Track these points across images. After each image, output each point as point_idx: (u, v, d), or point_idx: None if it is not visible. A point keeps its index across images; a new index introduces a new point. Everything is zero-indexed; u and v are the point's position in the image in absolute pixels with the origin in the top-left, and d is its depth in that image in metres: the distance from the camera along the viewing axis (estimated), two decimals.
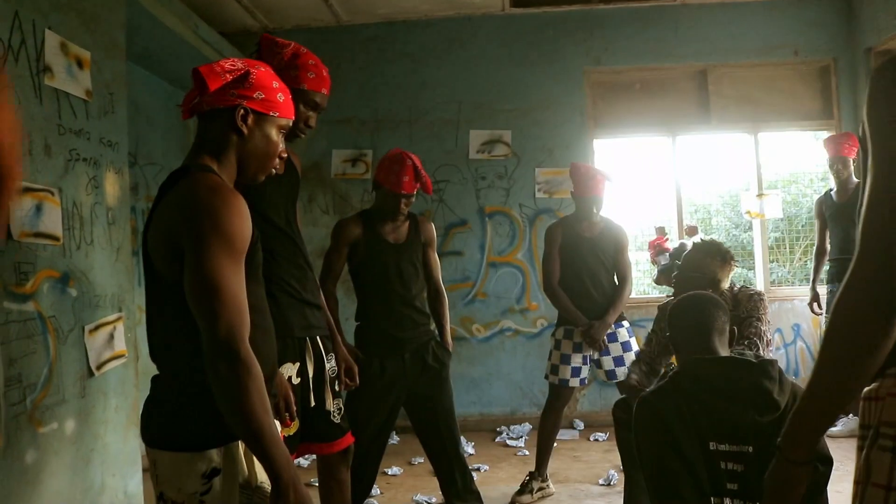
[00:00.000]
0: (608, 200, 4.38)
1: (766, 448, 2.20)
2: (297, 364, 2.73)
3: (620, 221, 4.50)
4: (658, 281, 6.30)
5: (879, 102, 1.15)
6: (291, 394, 2.44)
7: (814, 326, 6.26)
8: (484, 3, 6.26)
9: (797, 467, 1.29)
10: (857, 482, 1.21)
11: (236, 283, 1.57)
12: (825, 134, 6.52)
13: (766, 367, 2.25)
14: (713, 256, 3.39)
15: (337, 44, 6.50)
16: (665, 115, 6.53)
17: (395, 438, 5.85)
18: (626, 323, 4.38)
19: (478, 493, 3.72)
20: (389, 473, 4.96)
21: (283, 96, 1.82)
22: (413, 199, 3.61)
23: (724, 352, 2.44)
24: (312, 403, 2.77)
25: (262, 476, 1.74)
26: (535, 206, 6.35)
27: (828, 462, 2.28)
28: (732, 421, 2.21)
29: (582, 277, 4.30)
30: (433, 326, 3.77)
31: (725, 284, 3.42)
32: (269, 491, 1.70)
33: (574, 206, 4.45)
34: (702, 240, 3.53)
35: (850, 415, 5.54)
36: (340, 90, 6.28)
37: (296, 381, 2.71)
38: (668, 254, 6.15)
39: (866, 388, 1.23)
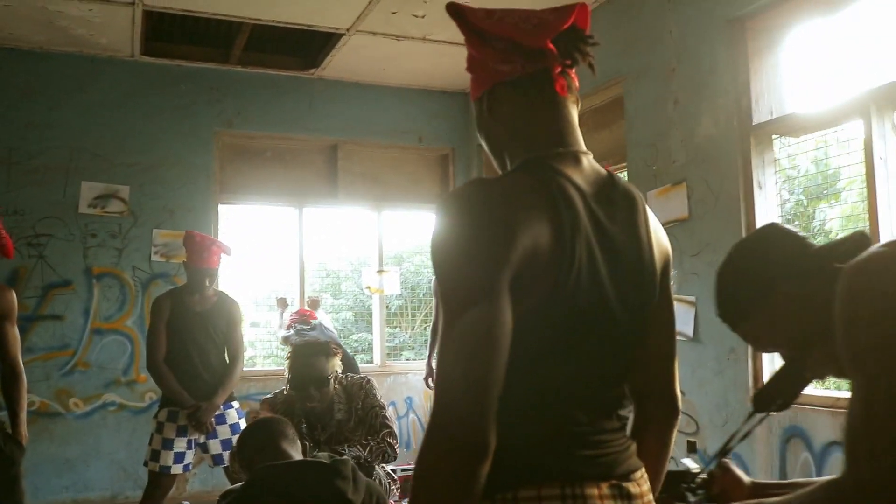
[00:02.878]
0: (224, 272, 4.18)
1: None
2: None
3: (236, 294, 4.32)
4: (282, 341, 6.20)
5: (453, 249, 1.09)
6: None
7: (424, 399, 6.57)
8: (112, 46, 5.77)
9: None
10: None
11: None
12: None
13: (338, 468, 2.23)
14: (315, 356, 3.27)
15: None
16: (294, 186, 6.53)
17: None
18: (235, 404, 4.18)
19: None
20: None
21: None
22: None
23: (297, 457, 2.39)
24: None
25: None
26: (150, 270, 5.88)
27: None
28: None
29: (190, 354, 4.02)
30: (4, 415, 3.21)
31: (335, 374, 3.30)
32: None
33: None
34: (297, 346, 3.39)
35: None
36: None
37: None
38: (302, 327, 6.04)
39: None
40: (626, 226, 1.25)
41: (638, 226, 1.27)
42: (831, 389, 3.94)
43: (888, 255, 1.30)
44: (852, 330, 1.24)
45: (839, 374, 1.37)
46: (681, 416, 1.41)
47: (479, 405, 1.02)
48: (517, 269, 1.08)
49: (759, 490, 1.52)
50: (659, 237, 1.34)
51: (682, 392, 1.42)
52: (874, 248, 1.35)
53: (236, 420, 4.12)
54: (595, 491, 1.14)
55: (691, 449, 4.18)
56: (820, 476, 3.38)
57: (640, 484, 1.23)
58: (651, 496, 1.26)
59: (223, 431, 4.04)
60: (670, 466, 1.44)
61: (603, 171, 1.29)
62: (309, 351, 3.28)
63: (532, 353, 1.11)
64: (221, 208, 6.27)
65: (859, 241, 1.40)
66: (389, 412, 3.37)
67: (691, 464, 1.64)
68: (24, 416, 3.24)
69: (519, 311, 1.08)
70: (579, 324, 1.16)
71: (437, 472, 1.02)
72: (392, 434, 3.23)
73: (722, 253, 1.53)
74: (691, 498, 1.55)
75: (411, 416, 6.53)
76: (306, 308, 6.34)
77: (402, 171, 6.93)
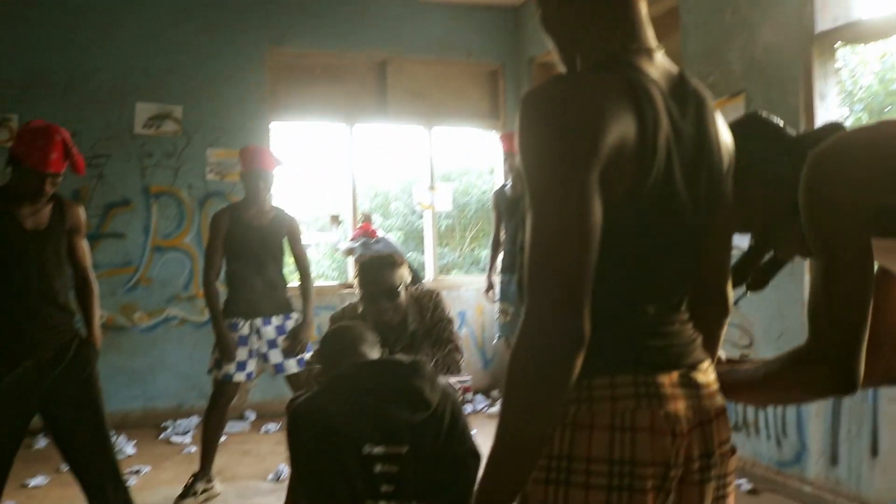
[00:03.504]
0: (280, 183, 4.24)
1: (419, 448, 2.25)
2: None
3: (293, 210, 4.37)
4: (345, 253, 6.32)
5: (544, 142, 1.09)
6: None
7: (477, 314, 6.68)
8: None
9: None
10: None
11: None
12: (494, 132, 6.98)
13: (416, 367, 2.29)
14: (383, 268, 3.26)
15: None
16: (344, 103, 6.54)
17: (40, 442, 5.23)
18: (294, 315, 4.29)
19: None
20: (31, 485, 4.40)
21: None
22: (60, 180, 3.15)
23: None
24: None
25: None
26: (205, 189, 6.01)
27: (478, 457, 2.38)
28: (387, 422, 2.22)
29: (249, 269, 4.12)
30: (79, 323, 3.36)
31: (404, 283, 3.31)
32: None
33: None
34: (359, 251, 3.46)
35: None
36: None
37: None
38: (367, 241, 6.18)
39: None
40: (696, 125, 1.25)
41: (707, 125, 1.27)
42: None
43: (850, 140, 1.36)
44: (813, 212, 1.31)
45: (806, 255, 1.44)
46: (736, 330, 1.45)
47: (575, 295, 1.05)
48: (604, 164, 1.09)
49: (734, 364, 1.58)
50: (725, 139, 1.33)
51: (736, 305, 1.46)
52: (841, 133, 1.41)
53: None
54: (666, 379, 1.18)
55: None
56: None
57: (707, 374, 1.27)
58: (717, 386, 1.29)
59: (283, 342, 4.18)
60: None
61: (674, 68, 1.28)
62: (376, 264, 3.28)
63: (607, 248, 1.11)
64: (273, 125, 6.32)
65: (832, 129, 1.46)
66: (456, 327, 3.41)
67: None
68: (97, 321, 3.38)
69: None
70: (654, 221, 1.18)
71: (535, 361, 1.05)
72: (458, 349, 3.29)
73: None
74: None
75: (464, 330, 6.64)
76: (363, 222, 6.43)
77: (450, 87, 6.89)
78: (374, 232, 6.23)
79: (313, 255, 13.69)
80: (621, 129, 1.10)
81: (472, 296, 6.61)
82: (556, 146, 1.08)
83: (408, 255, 12.59)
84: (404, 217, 13.72)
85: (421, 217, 12.46)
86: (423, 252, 9.72)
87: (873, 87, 10.38)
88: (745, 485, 4.08)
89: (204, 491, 4.12)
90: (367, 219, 6.41)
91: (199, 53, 6.01)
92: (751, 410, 4.17)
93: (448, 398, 2.34)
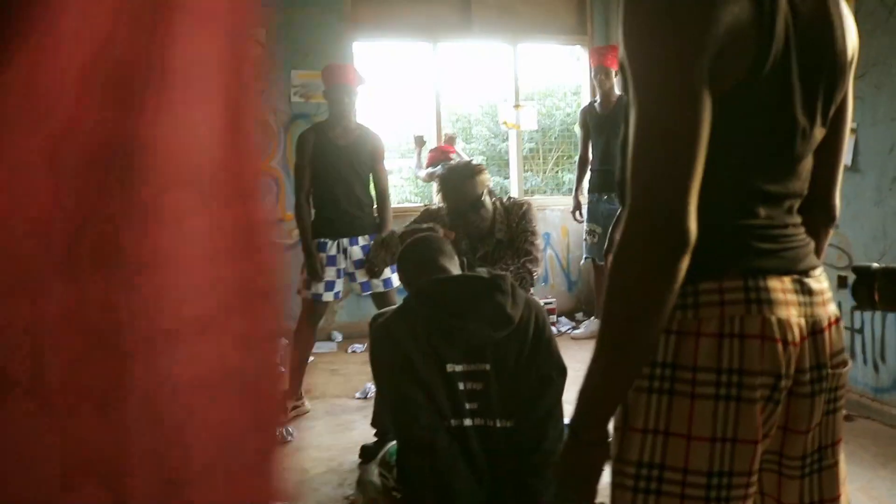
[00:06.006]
0: (364, 102, 4.18)
1: (502, 364, 2.22)
2: None
3: (378, 129, 4.31)
4: (425, 179, 6.29)
5: (650, 27, 1.00)
6: None
7: (562, 235, 6.58)
8: None
9: (596, 448, 1.13)
10: (644, 429, 1.10)
11: None
12: (580, 49, 6.75)
13: (497, 282, 2.24)
14: (464, 178, 3.25)
15: None
16: (427, 21, 6.38)
17: None
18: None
19: None
20: None
21: None
22: None
23: (456, 272, 2.42)
24: None
25: None
26: (290, 111, 6.01)
27: (563, 372, 2.34)
28: (468, 340, 2.19)
29: (335, 189, 4.10)
30: None
31: (487, 193, 3.31)
32: None
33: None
34: (440, 171, 3.41)
35: (593, 317, 5.91)
36: None
37: None
38: (446, 163, 6.12)
39: None
40: (817, 8, 1.11)
41: (829, 8, 1.13)
42: None
43: None
44: None
45: None
46: (833, 251, 1.33)
47: (680, 194, 0.98)
48: (716, 52, 0.99)
49: None
50: (850, 26, 1.18)
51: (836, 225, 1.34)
52: None
53: None
54: (778, 284, 1.10)
55: (841, 284, 4.01)
56: None
57: (821, 281, 1.18)
58: (830, 294, 1.19)
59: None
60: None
61: None
62: (457, 176, 3.26)
63: (715, 143, 1.02)
64: (355, 46, 6.23)
65: None
66: (539, 241, 3.37)
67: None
68: None
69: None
70: (766, 115, 1.08)
71: (638, 263, 1.00)
72: (533, 261, 3.24)
73: (893, 75, 1.37)
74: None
75: (549, 251, 6.56)
76: (444, 145, 6.34)
77: (536, 1, 6.64)
78: (451, 150, 6.11)
79: (395, 181, 13.72)
80: (735, 11, 0.99)
81: (557, 217, 6.51)
82: (662, 34, 0.99)
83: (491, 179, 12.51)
84: (486, 141, 13.56)
85: (504, 140, 12.30)
86: (506, 176, 9.61)
87: None
88: None
89: (294, 408, 4.22)
90: (451, 140, 6.31)
91: None
92: (846, 335, 3.99)
93: (532, 310, 2.29)
